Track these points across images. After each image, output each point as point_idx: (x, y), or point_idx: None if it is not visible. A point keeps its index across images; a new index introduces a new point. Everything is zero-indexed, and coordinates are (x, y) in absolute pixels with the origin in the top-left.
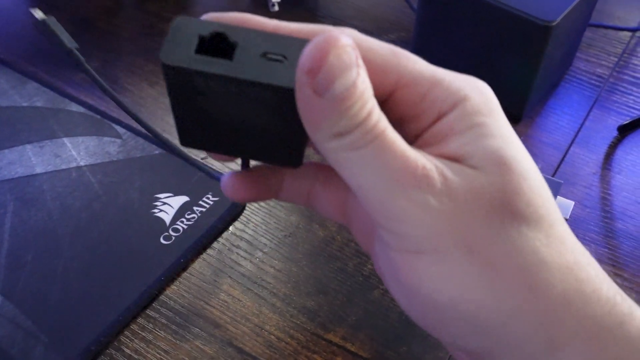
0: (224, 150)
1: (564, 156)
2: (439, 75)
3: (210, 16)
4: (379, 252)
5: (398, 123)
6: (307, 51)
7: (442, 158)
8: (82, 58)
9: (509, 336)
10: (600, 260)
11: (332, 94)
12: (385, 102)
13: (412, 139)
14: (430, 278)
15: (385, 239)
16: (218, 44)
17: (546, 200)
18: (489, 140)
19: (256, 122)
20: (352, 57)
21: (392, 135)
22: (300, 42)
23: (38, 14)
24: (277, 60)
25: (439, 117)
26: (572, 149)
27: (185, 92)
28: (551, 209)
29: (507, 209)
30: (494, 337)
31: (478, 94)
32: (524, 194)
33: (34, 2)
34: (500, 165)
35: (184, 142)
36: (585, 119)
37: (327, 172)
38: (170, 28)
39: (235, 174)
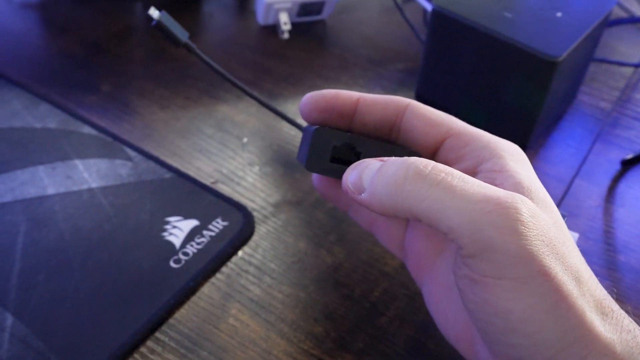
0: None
1: (568, 188)
2: (481, 132)
3: (310, 96)
4: (461, 276)
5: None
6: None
7: None
8: (195, 47)
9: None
10: None
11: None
12: (438, 148)
13: None
14: (506, 300)
15: (472, 267)
16: (348, 150)
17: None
18: (528, 182)
19: None
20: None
21: (460, 178)
22: (410, 155)
23: (154, 13)
24: None
25: (479, 163)
26: (575, 181)
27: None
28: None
29: (562, 239)
30: (547, 355)
31: (512, 149)
32: (564, 228)
33: (45, 24)
34: (541, 201)
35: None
36: (588, 152)
37: None
38: (312, 137)
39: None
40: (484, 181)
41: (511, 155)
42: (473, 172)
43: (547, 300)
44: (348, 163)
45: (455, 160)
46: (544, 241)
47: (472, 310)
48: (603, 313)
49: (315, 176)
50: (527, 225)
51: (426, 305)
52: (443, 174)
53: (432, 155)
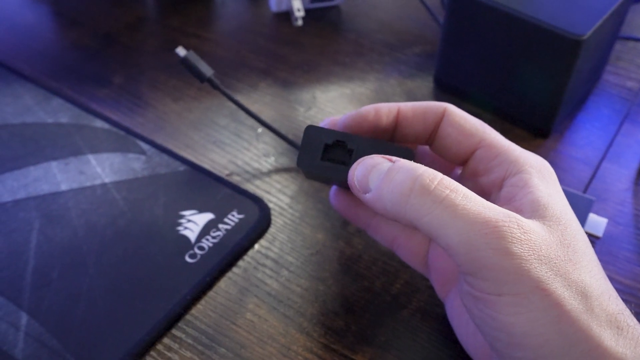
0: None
1: (595, 172)
2: (512, 146)
3: (351, 118)
4: (465, 293)
5: (474, 175)
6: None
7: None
8: (218, 83)
9: None
10: (635, 280)
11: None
12: (470, 157)
13: (485, 191)
14: (507, 314)
15: (472, 284)
16: (339, 147)
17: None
18: (546, 199)
19: None
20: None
21: (463, 196)
22: (402, 152)
23: (181, 52)
24: None
25: (506, 177)
26: (603, 164)
27: (313, 173)
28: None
29: (566, 256)
30: None
31: (539, 166)
32: (577, 245)
33: (56, 17)
34: (554, 219)
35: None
36: (616, 134)
37: (412, 228)
38: (303, 135)
39: (339, 189)
40: (506, 196)
41: (538, 172)
42: (499, 186)
43: (549, 314)
44: (340, 162)
45: (484, 172)
46: (540, 259)
47: (479, 325)
48: (618, 327)
49: (332, 195)
50: (520, 246)
51: (449, 320)
52: (448, 191)
53: (463, 164)
